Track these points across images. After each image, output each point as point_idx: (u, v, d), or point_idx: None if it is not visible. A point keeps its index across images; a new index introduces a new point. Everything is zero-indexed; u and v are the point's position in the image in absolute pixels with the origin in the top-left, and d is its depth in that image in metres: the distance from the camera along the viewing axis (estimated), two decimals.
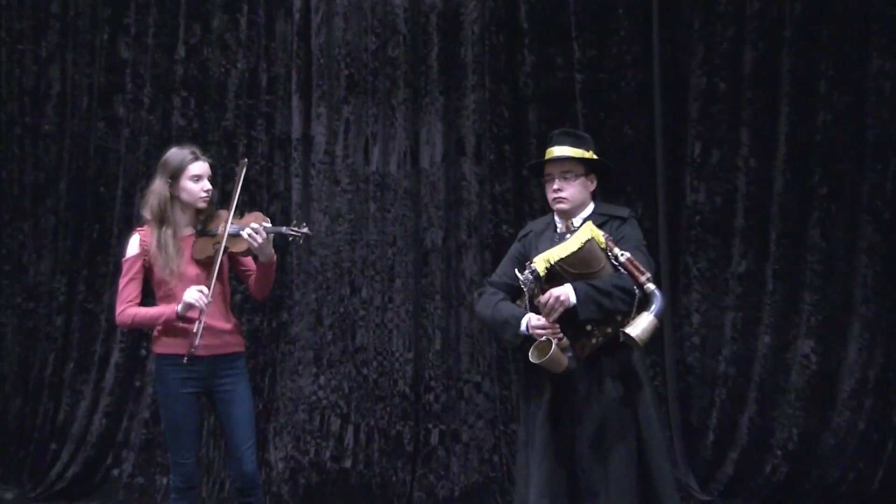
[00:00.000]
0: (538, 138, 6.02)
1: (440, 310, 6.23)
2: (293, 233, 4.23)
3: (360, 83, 6.33)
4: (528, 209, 6.13)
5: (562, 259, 3.90)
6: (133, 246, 4.36)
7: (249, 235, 4.19)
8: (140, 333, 6.33)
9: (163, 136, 6.32)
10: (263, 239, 4.20)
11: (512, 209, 6.18)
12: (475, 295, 4.28)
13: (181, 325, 4.27)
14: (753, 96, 5.87)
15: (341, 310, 6.30)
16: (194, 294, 4.19)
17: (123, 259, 4.38)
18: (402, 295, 6.26)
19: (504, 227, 6.18)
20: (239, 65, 6.38)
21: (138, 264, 4.34)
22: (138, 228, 4.45)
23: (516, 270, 3.96)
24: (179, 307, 4.24)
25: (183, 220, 4.36)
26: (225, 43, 6.42)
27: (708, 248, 5.95)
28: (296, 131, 6.34)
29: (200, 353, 4.25)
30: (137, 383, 6.37)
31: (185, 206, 4.35)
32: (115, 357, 6.43)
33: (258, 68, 6.38)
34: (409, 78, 6.27)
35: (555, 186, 4.15)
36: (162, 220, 4.32)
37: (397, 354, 6.29)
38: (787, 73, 5.80)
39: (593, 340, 3.96)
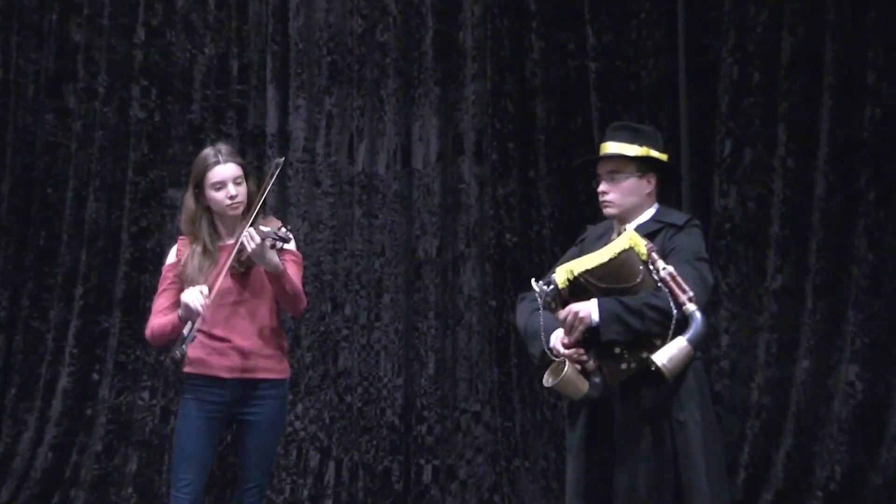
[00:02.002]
0: (546, 134, 6.10)
1: (434, 329, 6.27)
2: (272, 236, 4.23)
3: (345, 71, 6.38)
4: (535, 215, 6.17)
5: (587, 271, 3.88)
6: (171, 255, 4.50)
7: (244, 241, 4.21)
8: (91, 357, 6.38)
9: (119, 130, 6.40)
10: (257, 245, 4.17)
11: (517, 215, 6.19)
12: (517, 300, 4.29)
13: (206, 341, 4.34)
14: (791, 88, 5.79)
15: (321, 329, 6.35)
16: (191, 295, 4.22)
17: (163, 266, 4.52)
18: (391, 312, 6.31)
19: (507, 235, 6.20)
20: (206, 50, 6.46)
21: (172, 274, 4.43)
22: (180, 237, 4.54)
23: (532, 280, 3.96)
24: (180, 310, 4.28)
25: (222, 229, 4.43)
26: (191, 25, 6.49)
27: (739, 260, 5.91)
28: (271, 126, 6.41)
29: (223, 374, 4.33)
30: (89, 412, 6.42)
31: (218, 215, 4.42)
32: (64, 382, 6.48)
33: (228, 54, 6.47)
34: (400, 66, 6.32)
35: (600, 188, 4.14)
36: (193, 233, 4.43)
37: (385, 380, 6.33)
38: (831, 62, 5.70)
39: (623, 366, 3.90)
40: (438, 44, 6.28)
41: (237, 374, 4.37)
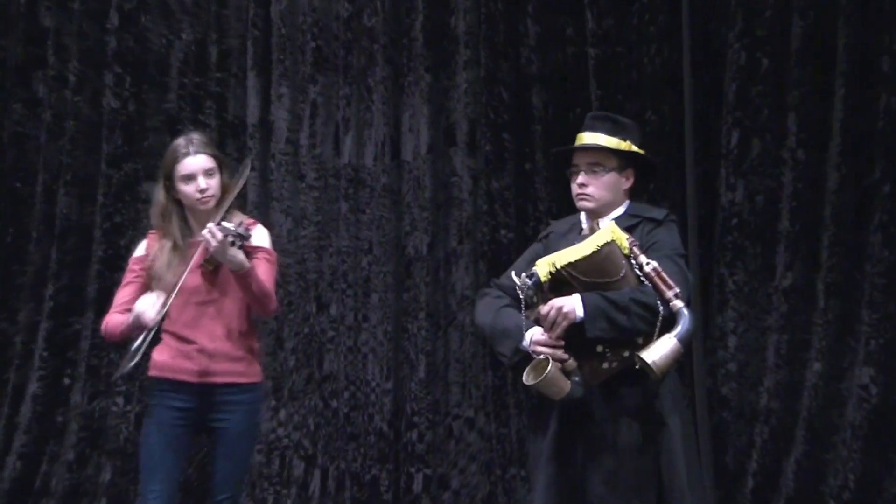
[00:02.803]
0: (543, 125, 6.11)
1: (425, 331, 6.28)
2: (231, 232, 4.21)
3: (330, 58, 6.37)
4: (531, 210, 6.18)
5: (571, 263, 3.87)
6: (141, 248, 4.50)
7: (205, 237, 4.20)
8: (62, 360, 6.39)
9: (92, 120, 6.39)
10: (218, 242, 4.16)
11: (512, 210, 6.20)
12: (477, 296, 4.33)
13: (172, 343, 4.37)
14: (802, 75, 5.82)
15: (306, 330, 6.35)
16: (145, 303, 4.24)
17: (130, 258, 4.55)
18: (379, 313, 6.31)
19: (503, 231, 6.22)
20: (184, 35, 6.45)
21: (138, 267, 4.44)
22: (151, 231, 4.54)
23: (513, 274, 3.96)
24: (131, 316, 4.27)
25: (194, 223, 4.41)
26: (167, 9, 6.48)
27: (747, 257, 5.93)
28: (252, 116, 6.39)
29: (189, 378, 4.33)
30: (60, 419, 6.41)
31: (189, 209, 4.41)
32: (33, 387, 6.46)
33: (207, 40, 6.45)
34: (389, 52, 6.33)
35: (579, 180, 4.13)
36: (163, 228, 4.43)
37: (373, 384, 6.33)
38: (844, 48, 5.72)
39: (605, 365, 3.91)
40: (429, 29, 6.28)
41: (203, 379, 4.36)
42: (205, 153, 4.39)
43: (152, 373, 4.43)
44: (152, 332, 4.23)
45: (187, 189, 4.36)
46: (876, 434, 5.68)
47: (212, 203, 4.37)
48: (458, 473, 6.21)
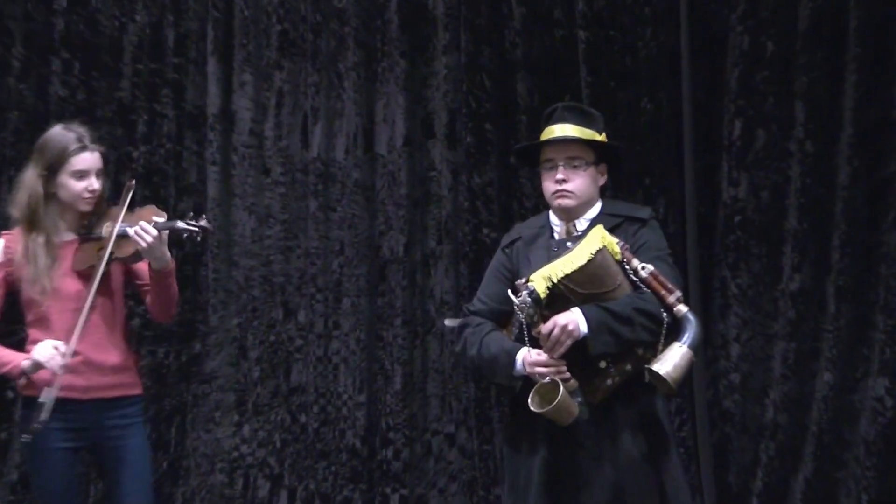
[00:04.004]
0: (530, 115, 6.06)
1: (401, 339, 6.28)
2: (189, 228, 4.27)
3: (297, 42, 6.33)
4: (516, 207, 6.18)
5: (567, 276, 3.91)
6: None
7: (136, 234, 4.23)
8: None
9: (38, 110, 6.24)
10: (154, 238, 4.22)
11: (496, 207, 6.22)
12: (456, 332, 4.38)
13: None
14: (811, 60, 5.84)
15: (272, 338, 6.29)
16: (46, 351, 4.18)
17: None
18: (351, 319, 6.31)
19: (485, 230, 6.21)
20: (138, 18, 6.29)
21: (0, 275, 4.41)
22: (5, 232, 4.51)
23: (510, 292, 3.97)
24: (26, 363, 4.22)
25: (62, 222, 4.42)
26: None
27: (751, 258, 5.96)
28: (212, 105, 6.32)
29: (78, 395, 4.29)
30: (3, 435, 6.23)
31: (65, 206, 4.41)
32: None
33: (163, 22, 6.31)
34: (361, 36, 6.31)
35: (559, 175, 4.14)
36: (33, 222, 4.38)
37: (345, 397, 6.30)
38: (855, 31, 5.74)
39: (608, 381, 3.97)
40: (405, 10, 6.29)
41: (95, 394, 4.34)
42: (99, 152, 4.41)
43: (28, 392, 4.32)
44: (58, 378, 4.16)
45: (77, 186, 4.34)
46: (891, 450, 5.68)
47: (93, 204, 4.39)
48: (438, 494, 6.23)
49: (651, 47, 6.01)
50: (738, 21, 5.88)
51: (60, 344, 4.18)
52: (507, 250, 4.28)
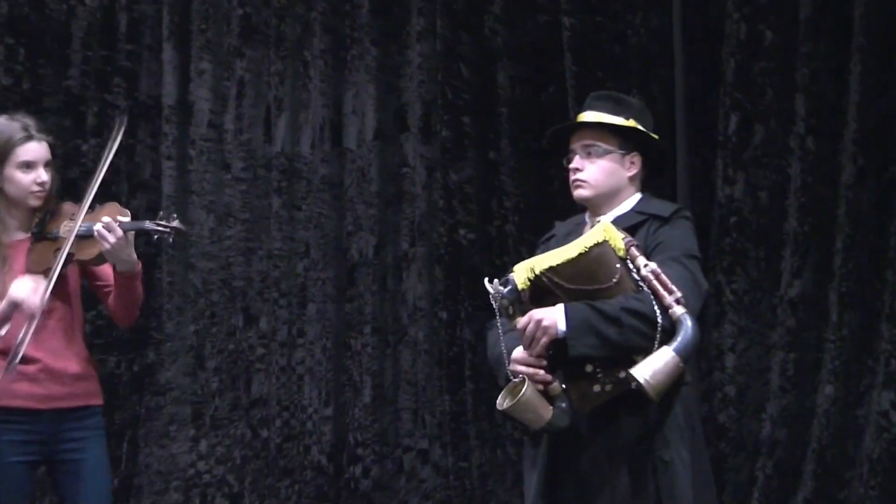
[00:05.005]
0: (510, 107, 6.15)
1: (371, 348, 6.33)
2: (158, 229, 4.22)
3: (260, 28, 6.35)
4: (496, 206, 6.22)
5: (553, 268, 3.82)
6: None
7: (99, 234, 4.17)
8: None
9: None
10: (118, 239, 4.15)
11: (474, 206, 6.24)
12: (487, 327, 4.29)
13: (17, 366, 4.26)
14: (813, 50, 5.76)
15: (231, 347, 6.30)
16: (24, 288, 4.15)
17: None
18: (317, 326, 6.34)
19: (462, 231, 6.24)
20: (88, 1, 6.29)
21: None
22: None
23: (486, 280, 3.92)
24: (2, 304, 4.21)
25: (12, 220, 4.37)
26: None
27: (748, 262, 5.90)
28: (168, 96, 6.33)
29: (35, 405, 4.25)
30: None
31: (13, 202, 4.35)
32: None
33: (115, 5, 6.31)
34: (329, 21, 6.36)
35: (573, 164, 4.09)
36: None
37: (310, 410, 6.31)
38: (860, 19, 5.63)
39: (596, 388, 3.83)
40: None
41: (54, 404, 4.28)
42: (47, 141, 4.35)
43: None
44: (36, 319, 4.15)
45: (24, 178, 4.27)
46: None
47: (43, 200, 4.34)
48: None
49: (641, 35, 6.01)
50: (735, 7, 5.86)
51: (39, 280, 4.17)
52: (542, 245, 4.26)
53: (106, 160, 4.35)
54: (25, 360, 4.23)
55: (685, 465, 3.91)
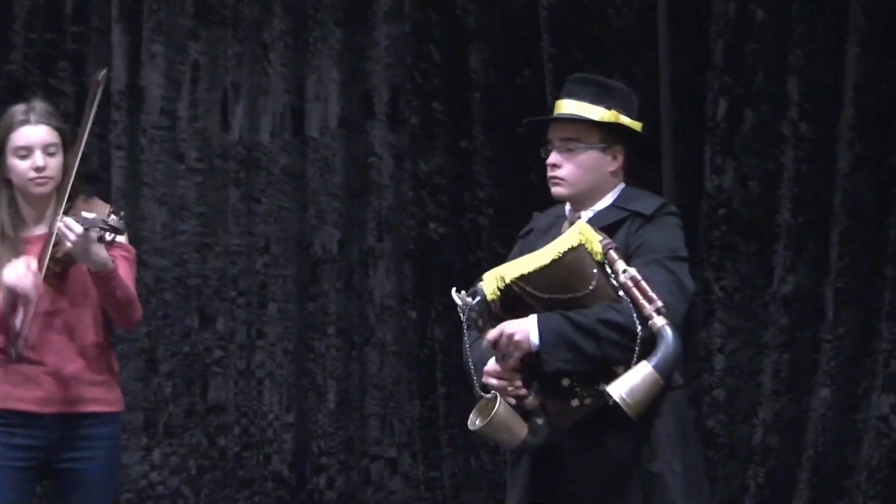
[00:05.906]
0: (484, 92, 6.25)
1: (336, 350, 6.34)
2: (100, 227, 4.15)
3: (216, 8, 6.32)
4: (468, 199, 6.31)
5: (523, 276, 3.76)
6: None
7: (59, 231, 4.15)
8: None
9: None
10: (78, 237, 4.09)
11: (445, 198, 6.33)
12: (464, 333, 4.20)
13: (13, 366, 4.25)
14: (807, 31, 5.82)
15: (186, 349, 6.26)
16: (15, 271, 4.14)
17: None
18: (278, 327, 6.33)
19: (433, 224, 6.33)
20: None
21: None
22: None
23: (453, 291, 3.86)
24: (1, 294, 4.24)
25: (29, 213, 4.36)
26: None
27: (738, 257, 5.95)
28: (118, 81, 6.24)
29: (37, 409, 4.24)
30: None
31: (22, 193, 4.35)
32: None
33: None
34: (290, 1, 6.36)
35: (550, 160, 4.03)
36: None
37: (271, 417, 6.31)
38: None
39: (574, 402, 3.76)
40: None
41: (56, 408, 4.25)
42: (48, 125, 4.29)
43: None
44: (31, 302, 4.16)
45: (21, 165, 4.24)
46: None
47: (49, 186, 4.27)
48: None
49: (624, 15, 6.07)
50: None
51: (32, 262, 4.15)
52: (521, 241, 4.23)
53: (88, 122, 4.28)
54: (31, 361, 4.25)
55: (677, 477, 3.86)
